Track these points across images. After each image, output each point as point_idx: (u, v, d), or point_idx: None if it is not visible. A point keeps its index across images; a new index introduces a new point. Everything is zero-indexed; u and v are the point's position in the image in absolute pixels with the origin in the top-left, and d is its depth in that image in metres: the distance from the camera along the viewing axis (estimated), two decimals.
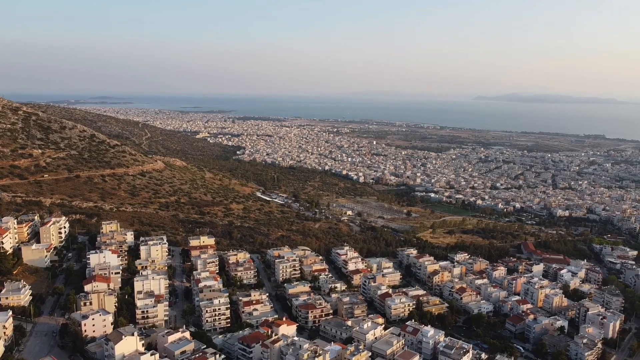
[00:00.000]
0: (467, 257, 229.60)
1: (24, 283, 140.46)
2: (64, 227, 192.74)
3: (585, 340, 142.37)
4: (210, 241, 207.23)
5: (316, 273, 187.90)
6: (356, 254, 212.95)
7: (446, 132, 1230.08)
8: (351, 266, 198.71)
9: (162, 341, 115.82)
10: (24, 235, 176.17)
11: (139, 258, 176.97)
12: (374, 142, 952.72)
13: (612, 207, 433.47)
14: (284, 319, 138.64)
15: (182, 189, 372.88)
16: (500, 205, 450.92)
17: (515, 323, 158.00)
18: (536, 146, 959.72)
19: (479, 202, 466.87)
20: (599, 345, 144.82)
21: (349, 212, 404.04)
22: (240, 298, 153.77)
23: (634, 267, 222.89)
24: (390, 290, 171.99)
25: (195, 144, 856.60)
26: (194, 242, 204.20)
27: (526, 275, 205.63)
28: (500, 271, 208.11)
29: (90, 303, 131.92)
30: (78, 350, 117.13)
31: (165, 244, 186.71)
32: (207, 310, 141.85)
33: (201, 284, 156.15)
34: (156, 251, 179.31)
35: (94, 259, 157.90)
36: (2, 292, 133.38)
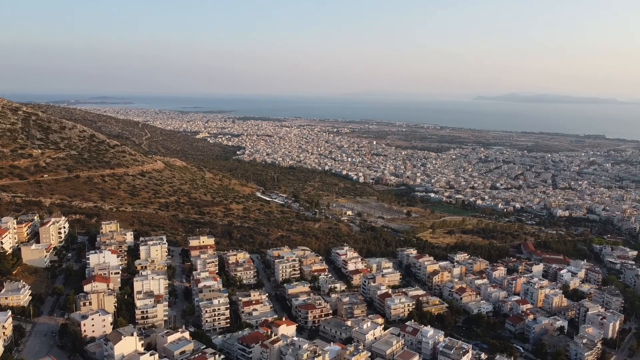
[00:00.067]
0: (467, 257, 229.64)
1: (24, 283, 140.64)
2: (64, 227, 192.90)
3: (585, 341, 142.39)
4: (210, 241, 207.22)
5: (316, 273, 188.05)
6: (356, 254, 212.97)
7: (446, 132, 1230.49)
8: (351, 266, 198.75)
9: (161, 341, 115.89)
10: (23, 236, 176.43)
11: (139, 258, 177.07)
12: (374, 142, 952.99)
13: (612, 207, 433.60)
14: (284, 319, 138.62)
15: (182, 189, 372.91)
16: (500, 205, 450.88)
17: (515, 323, 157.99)
18: (536, 146, 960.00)
19: (479, 202, 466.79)
20: (599, 345, 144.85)
21: (349, 212, 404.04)
22: (240, 298, 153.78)
23: (633, 267, 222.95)
24: (390, 291, 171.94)
25: (195, 144, 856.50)
26: (193, 242, 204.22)
27: (526, 275, 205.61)
28: (500, 271, 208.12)
29: (90, 303, 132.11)
30: (77, 351, 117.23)
31: (164, 244, 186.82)
32: (206, 311, 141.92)
33: (201, 284, 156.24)
34: (156, 251, 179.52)
35: (93, 259, 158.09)
36: (2, 292, 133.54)
